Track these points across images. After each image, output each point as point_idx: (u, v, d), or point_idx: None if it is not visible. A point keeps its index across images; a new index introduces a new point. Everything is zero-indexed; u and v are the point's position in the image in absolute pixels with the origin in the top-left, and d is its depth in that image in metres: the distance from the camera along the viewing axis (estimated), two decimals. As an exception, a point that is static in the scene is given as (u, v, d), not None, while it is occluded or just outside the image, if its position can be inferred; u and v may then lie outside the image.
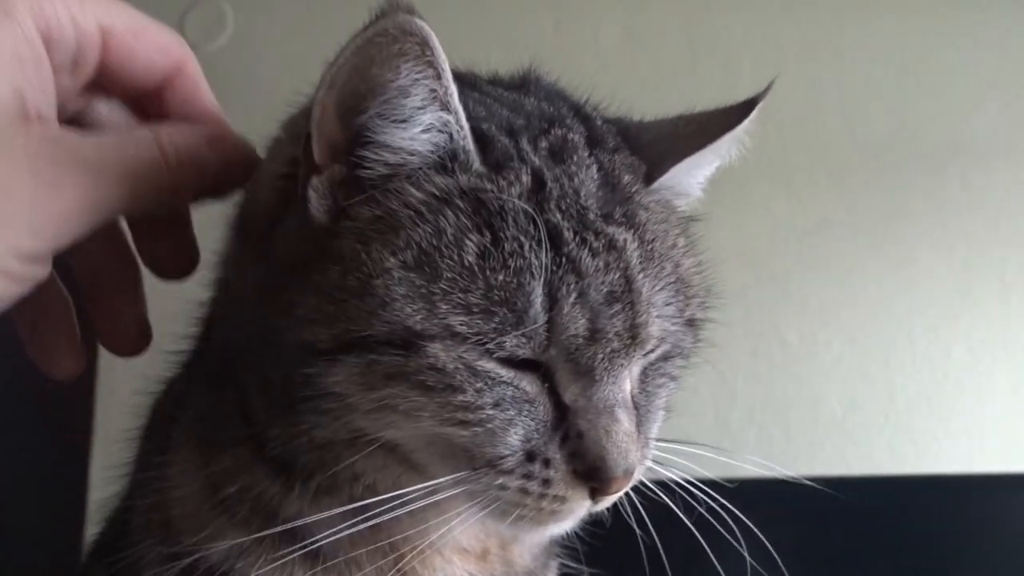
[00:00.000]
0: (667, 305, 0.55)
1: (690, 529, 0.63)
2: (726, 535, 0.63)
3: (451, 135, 0.52)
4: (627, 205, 0.55)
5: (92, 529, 1.95)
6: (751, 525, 0.63)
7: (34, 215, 0.49)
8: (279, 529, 0.57)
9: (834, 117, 1.80)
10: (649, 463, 0.58)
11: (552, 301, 0.50)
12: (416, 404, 0.51)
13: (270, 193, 0.57)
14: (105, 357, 1.82)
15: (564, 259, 0.51)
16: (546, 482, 0.53)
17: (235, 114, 2.21)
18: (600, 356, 0.52)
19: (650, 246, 0.55)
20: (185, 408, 0.64)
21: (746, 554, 0.66)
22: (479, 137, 0.53)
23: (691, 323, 0.59)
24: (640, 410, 0.56)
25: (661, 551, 0.63)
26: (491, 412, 0.51)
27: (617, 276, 0.52)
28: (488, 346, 0.50)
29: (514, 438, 0.52)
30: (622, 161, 0.58)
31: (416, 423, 0.52)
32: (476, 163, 0.53)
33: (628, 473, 0.53)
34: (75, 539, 1.97)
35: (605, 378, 0.53)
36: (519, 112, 0.58)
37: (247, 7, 2.07)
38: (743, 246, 1.69)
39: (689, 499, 0.62)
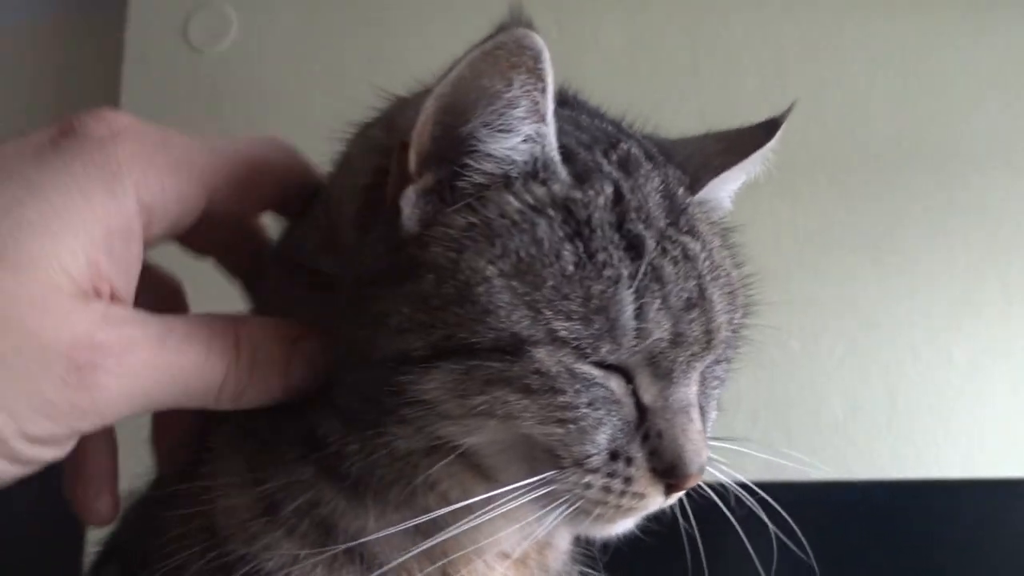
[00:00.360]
0: (726, 313, 0.58)
1: (696, 530, 0.65)
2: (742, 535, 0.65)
3: (543, 146, 0.55)
4: (686, 216, 0.59)
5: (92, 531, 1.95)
6: (786, 527, 0.65)
7: (57, 398, 0.45)
8: (343, 547, 0.58)
9: (835, 119, 1.80)
10: None
11: (639, 308, 0.53)
12: (516, 407, 0.53)
13: (349, 207, 0.58)
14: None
15: (649, 268, 0.54)
16: (628, 480, 0.55)
17: (238, 118, 2.22)
18: (680, 360, 0.55)
19: (712, 255, 0.58)
20: (226, 421, 0.63)
21: (780, 545, 0.67)
22: (561, 150, 0.56)
23: (736, 330, 0.62)
24: (702, 410, 0.59)
25: (702, 552, 0.65)
26: (585, 411, 0.54)
27: (693, 284, 0.56)
28: (586, 350, 0.53)
29: (602, 437, 0.55)
30: (673, 174, 0.61)
31: (511, 426, 0.53)
32: (563, 174, 0.56)
33: (702, 469, 0.56)
34: (76, 539, 1.97)
35: (681, 380, 0.56)
36: (580, 127, 0.61)
37: (251, 10, 2.07)
38: (744, 248, 1.68)
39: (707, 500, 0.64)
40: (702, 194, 0.63)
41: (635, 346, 0.54)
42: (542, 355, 0.52)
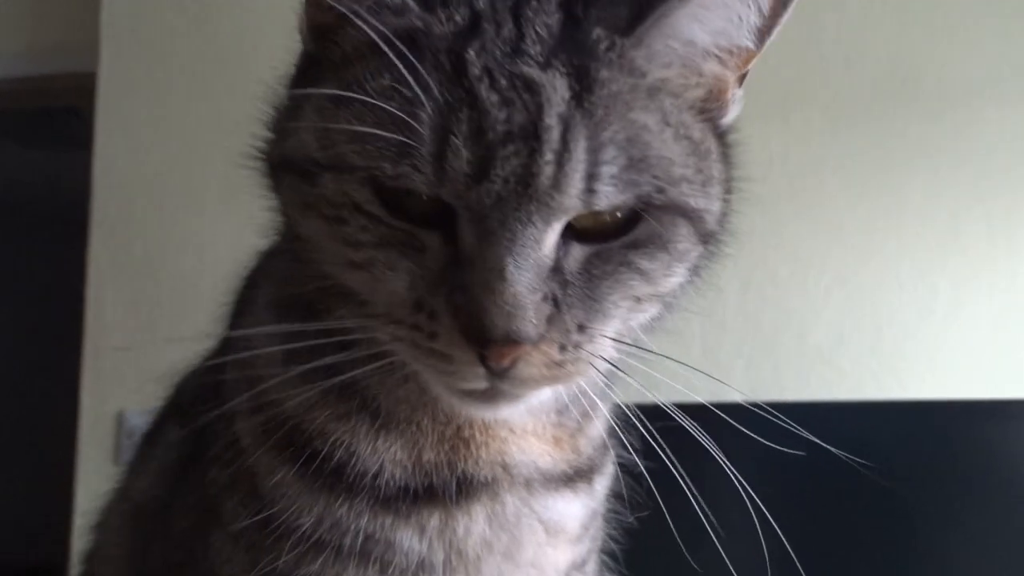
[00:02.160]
0: (587, 162, 0.50)
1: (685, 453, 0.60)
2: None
3: None
4: (582, 56, 0.52)
5: (84, 448, 1.96)
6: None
7: None
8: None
9: (829, 52, 1.80)
10: (589, 354, 0.54)
11: (443, 132, 0.49)
12: (318, 235, 0.54)
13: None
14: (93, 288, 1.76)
15: (464, 93, 0.50)
16: (432, 335, 0.51)
17: (223, 41, 2.14)
18: (487, 200, 0.49)
19: (596, 101, 0.51)
20: (269, 274, 0.67)
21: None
22: None
23: (676, 209, 0.54)
24: (570, 288, 0.52)
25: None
26: (373, 252, 0.52)
27: (522, 117, 0.49)
28: (376, 174, 0.50)
29: (397, 284, 0.52)
30: (601, 16, 0.54)
31: (325, 256, 0.55)
32: (415, 8, 0.53)
33: (509, 338, 0.49)
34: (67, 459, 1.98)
35: (499, 232, 0.50)
36: None
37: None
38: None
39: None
40: (650, 38, 0.54)
41: (435, 175, 0.49)
42: (327, 180, 0.53)
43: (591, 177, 0.50)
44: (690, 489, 0.60)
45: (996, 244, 1.76)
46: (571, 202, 0.50)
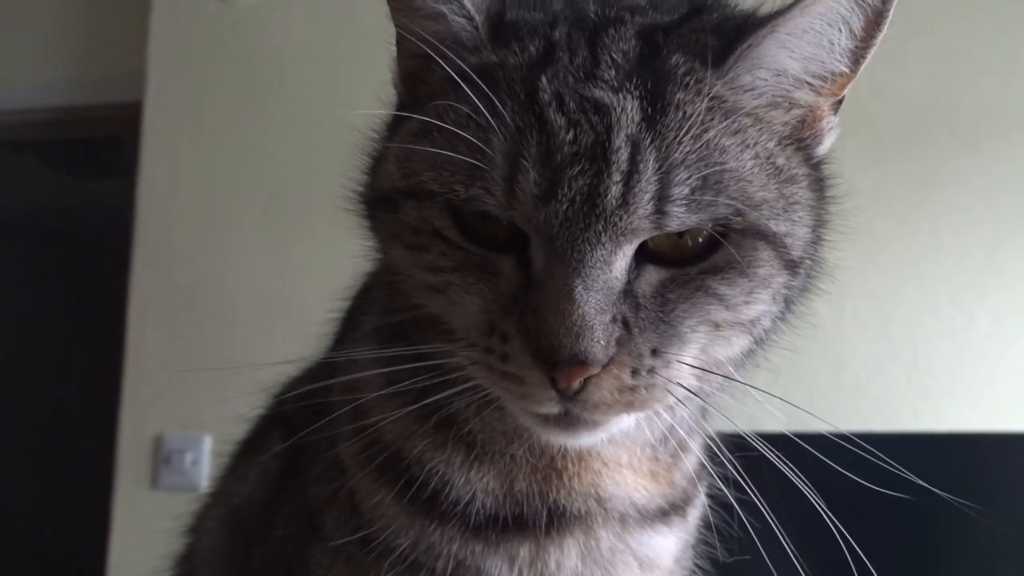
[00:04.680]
0: (688, 197, 0.50)
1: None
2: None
3: (477, 26, 0.56)
4: (658, 80, 0.52)
5: (123, 459, 1.98)
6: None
7: None
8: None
9: (867, 85, 1.78)
10: (665, 380, 0.53)
11: (514, 155, 0.50)
12: (403, 261, 0.57)
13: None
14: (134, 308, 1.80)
15: (534, 117, 0.51)
16: (504, 357, 0.52)
17: (264, 74, 2.19)
18: (555, 221, 0.50)
19: (670, 123, 0.51)
20: (374, 302, 0.68)
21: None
22: (496, 24, 0.56)
23: (757, 233, 0.53)
24: (643, 312, 0.52)
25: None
26: (450, 277, 0.54)
27: (589, 138, 0.50)
28: (451, 197, 0.52)
29: (472, 307, 0.53)
30: (684, 43, 0.55)
31: (410, 283, 0.57)
32: (487, 45, 0.55)
33: (576, 359, 0.49)
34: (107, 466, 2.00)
35: (567, 253, 0.50)
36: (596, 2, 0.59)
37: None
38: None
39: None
40: (739, 66, 0.54)
41: (506, 197, 0.50)
42: (408, 207, 0.55)
43: (662, 198, 0.50)
44: (772, 518, 0.59)
45: (1036, 271, 1.73)
46: (640, 223, 0.50)
